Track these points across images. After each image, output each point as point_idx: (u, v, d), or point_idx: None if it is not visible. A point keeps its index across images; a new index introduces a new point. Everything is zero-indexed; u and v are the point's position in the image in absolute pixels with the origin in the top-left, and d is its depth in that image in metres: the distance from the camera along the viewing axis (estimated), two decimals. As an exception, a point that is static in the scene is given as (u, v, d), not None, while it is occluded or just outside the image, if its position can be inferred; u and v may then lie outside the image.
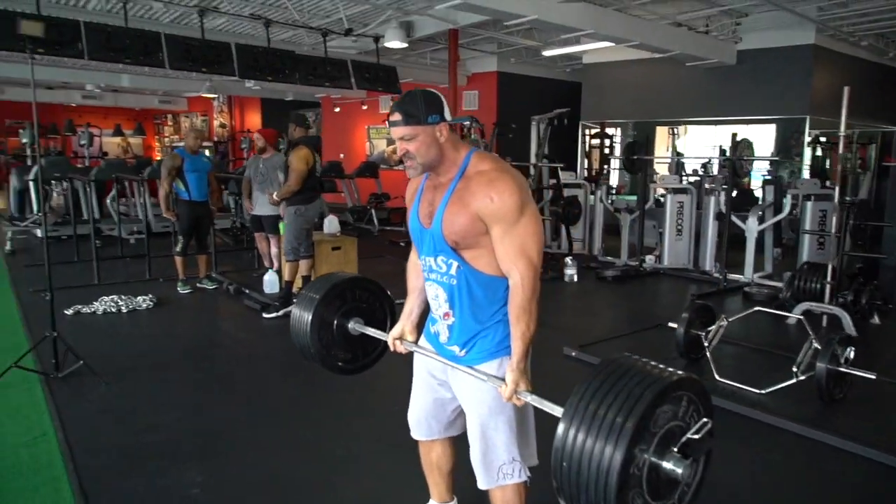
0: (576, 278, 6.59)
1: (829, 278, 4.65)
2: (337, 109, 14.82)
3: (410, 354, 1.95)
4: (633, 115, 10.97)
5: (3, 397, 3.31)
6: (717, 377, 3.63)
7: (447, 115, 1.69)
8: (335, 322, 2.10)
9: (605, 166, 10.87)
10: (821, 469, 2.82)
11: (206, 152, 10.47)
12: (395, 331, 1.98)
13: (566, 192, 8.02)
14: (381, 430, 2.93)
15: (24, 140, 10.51)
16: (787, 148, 10.07)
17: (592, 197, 8.36)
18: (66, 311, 4.98)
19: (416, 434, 2.01)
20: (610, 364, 1.51)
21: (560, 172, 7.98)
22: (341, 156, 14.50)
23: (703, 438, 1.44)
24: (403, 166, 1.72)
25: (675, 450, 1.37)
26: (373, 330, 2.06)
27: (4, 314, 5.05)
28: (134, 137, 17.70)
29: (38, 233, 8.69)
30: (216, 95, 16.24)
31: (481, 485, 1.80)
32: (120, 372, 3.73)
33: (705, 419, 1.44)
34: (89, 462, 2.66)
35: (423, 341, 1.96)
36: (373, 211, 10.63)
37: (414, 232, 1.82)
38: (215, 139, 17.37)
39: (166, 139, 19.42)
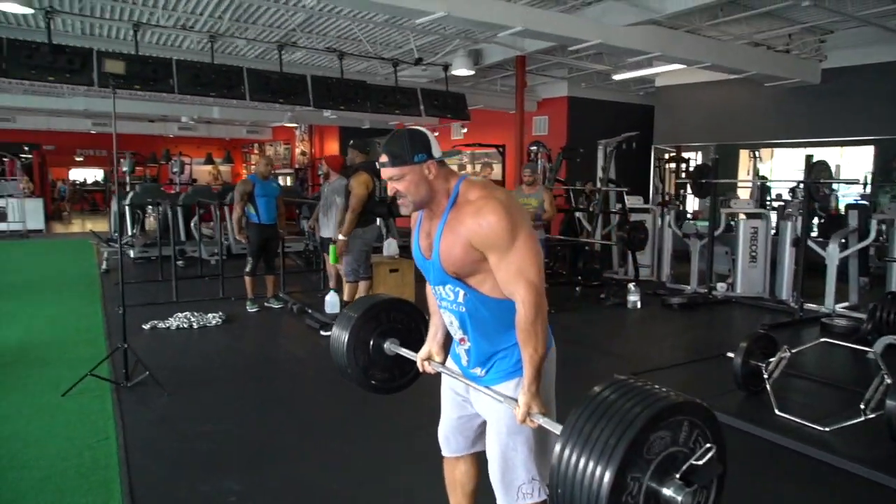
0: (639, 305, 6.39)
1: (915, 310, 4.28)
2: (410, 137, 15.20)
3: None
4: (709, 138, 10.58)
5: (78, 402, 3.59)
6: (776, 412, 3.40)
7: (435, 153, 1.71)
8: (371, 342, 2.15)
9: (682, 191, 10.54)
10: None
11: (278, 178, 10.96)
12: (423, 352, 2.01)
13: (634, 217, 7.83)
14: (419, 452, 2.94)
15: (125, 168, 11.45)
16: (887, 170, 9.40)
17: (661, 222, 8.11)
18: (143, 326, 5.36)
19: (445, 451, 2.03)
20: (610, 385, 1.47)
21: (626, 197, 7.79)
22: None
23: (708, 464, 1.38)
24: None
25: (678, 476, 1.32)
26: (406, 350, 2.10)
27: (92, 328, 5.48)
28: (223, 165, 18.87)
29: (131, 253, 9.42)
30: (297, 125, 17.11)
31: (499, 502, 1.79)
32: (182, 383, 3.96)
33: (709, 444, 1.38)
34: (141, 465, 2.84)
35: (449, 362, 1.98)
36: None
37: (418, 262, 1.86)
38: (296, 166, 18.21)
39: (252, 167, 20.55)
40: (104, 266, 8.60)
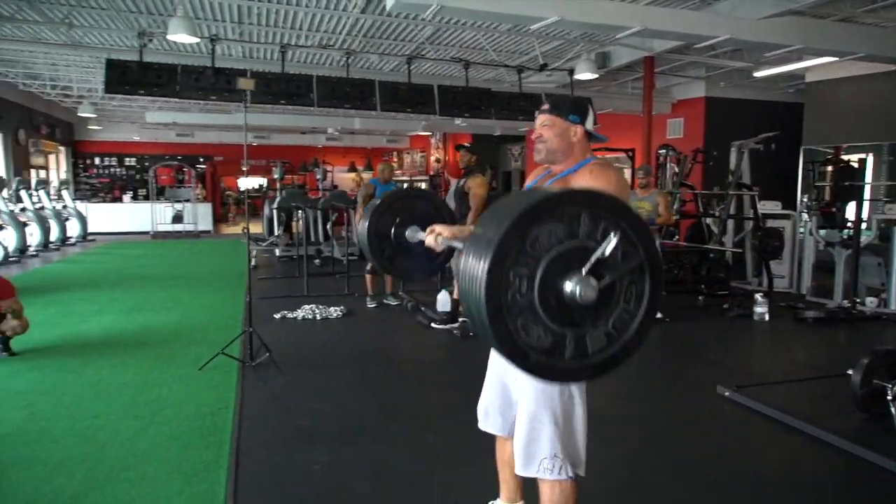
0: (767, 317, 5.92)
1: None
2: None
3: None
4: (870, 137, 9.46)
5: (210, 376, 4.13)
6: (899, 438, 3.05)
7: (588, 123, 1.94)
8: (392, 232, 2.25)
9: (839, 197, 9.49)
10: None
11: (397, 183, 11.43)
12: (435, 226, 2.08)
13: (771, 224, 7.25)
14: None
15: (276, 175, 12.68)
16: None
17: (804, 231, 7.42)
18: (275, 315, 5.97)
19: (482, 425, 2.12)
20: (514, 192, 1.51)
21: (760, 201, 7.23)
22: (543, 187, 14.78)
23: (615, 255, 1.33)
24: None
25: (584, 271, 1.30)
26: (422, 234, 2.12)
27: (234, 315, 6.19)
28: (365, 173, 20.08)
29: (277, 252, 10.42)
30: (432, 133, 17.79)
31: (519, 471, 1.88)
32: (297, 366, 4.39)
33: (616, 234, 1.32)
34: (249, 432, 3.23)
35: None
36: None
37: None
38: (431, 173, 18.91)
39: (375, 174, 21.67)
40: (253, 262, 9.60)
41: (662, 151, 9.35)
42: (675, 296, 7.06)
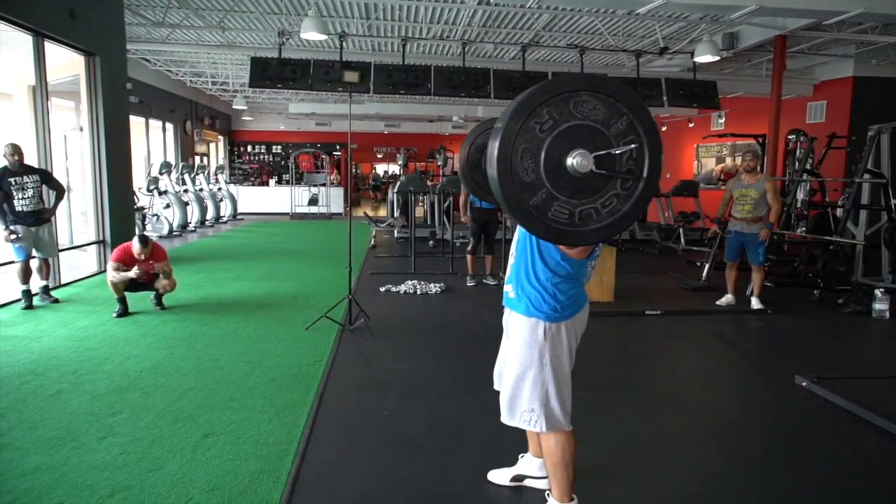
0: (887, 315, 5.46)
1: None
2: (664, 129, 14.63)
3: None
4: None
5: (313, 335, 4.71)
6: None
7: None
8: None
9: None
10: None
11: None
12: None
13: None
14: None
15: (399, 162, 13.43)
16: None
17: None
18: (380, 289, 6.52)
19: (495, 385, 2.37)
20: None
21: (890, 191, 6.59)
22: (668, 175, 14.26)
23: (621, 162, 1.50)
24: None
25: (592, 154, 1.50)
26: None
27: (345, 286, 6.82)
28: (487, 160, 20.51)
29: (395, 233, 11.10)
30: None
31: (504, 419, 2.15)
32: (389, 333, 4.86)
33: (634, 149, 1.50)
34: (334, 382, 3.71)
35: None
36: (680, 230, 10.31)
37: None
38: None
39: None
40: (372, 242, 10.35)
41: (792, 137, 8.74)
42: (788, 289, 6.68)
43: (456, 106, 16.88)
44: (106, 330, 4.80)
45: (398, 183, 11.44)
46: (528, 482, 2.49)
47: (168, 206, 11.61)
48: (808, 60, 10.57)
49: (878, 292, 5.56)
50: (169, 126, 14.58)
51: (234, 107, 16.07)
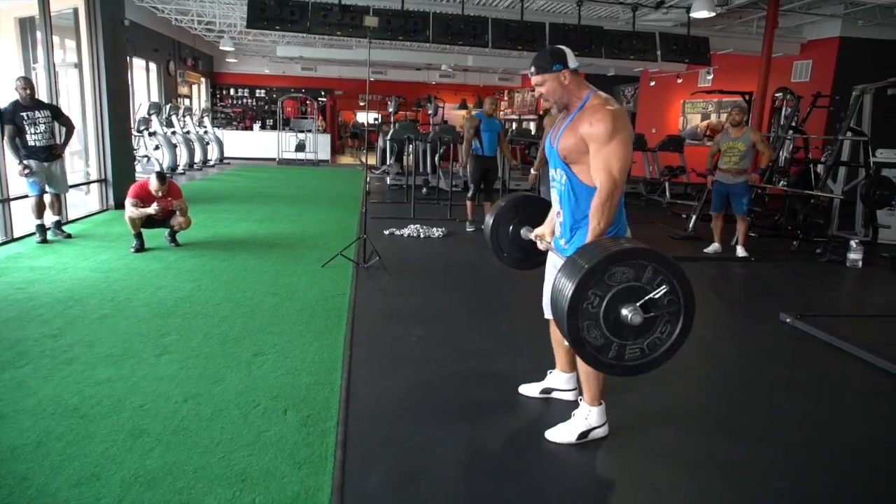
0: (860, 265, 5.90)
1: None
2: (652, 83, 14.81)
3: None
4: None
5: (331, 272, 4.96)
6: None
7: (570, 64, 2.26)
8: (511, 228, 2.89)
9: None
10: None
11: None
12: (538, 230, 2.65)
13: (886, 173, 6.96)
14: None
15: (391, 109, 13.43)
16: None
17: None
18: (384, 231, 6.76)
19: (547, 314, 2.66)
20: (604, 239, 2.07)
21: (876, 149, 6.96)
22: (654, 130, 14.52)
23: (662, 299, 1.87)
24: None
25: (638, 304, 1.84)
26: (530, 233, 2.75)
27: (349, 228, 7.05)
28: (475, 110, 20.46)
29: (388, 180, 11.25)
30: (544, 72, 17.70)
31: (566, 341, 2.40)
32: (401, 271, 5.13)
33: (666, 287, 1.86)
34: (361, 312, 3.99)
35: (553, 244, 2.60)
36: (666, 183, 10.66)
37: (547, 150, 2.46)
38: (540, 112, 18.96)
39: (500, 113, 21.85)
40: (366, 188, 10.47)
41: (779, 95, 9.03)
42: (770, 239, 7.09)
43: (445, 55, 16.75)
44: (128, 263, 4.97)
45: (391, 130, 11.50)
46: (555, 394, 2.82)
47: (157, 147, 11.54)
48: (797, 19, 10.76)
49: (852, 243, 5.98)
50: (152, 66, 14.28)
51: (221, 48, 15.72)
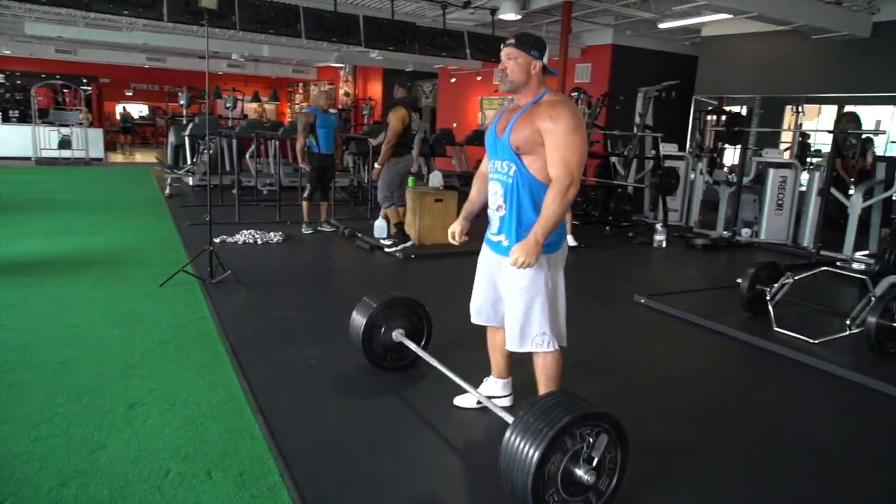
0: (664, 245, 6.81)
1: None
2: (453, 80, 15.44)
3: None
4: (752, 91, 10.63)
5: (174, 292, 4.27)
6: (775, 328, 3.88)
7: (545, 59, 2.27)
8: (382, 328, 2.96)
9: (721, 142, 10.69)
10: (861, 408, 3.05)
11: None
12: (453, 226, 2.53)
13: (668, 164, 8.13)
14: (458, 332, 3.52)
15: (182, 102, 12.05)
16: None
17: (694, 172, 8.39)
18: (214, 240, 6.00)
19: (474, 319, 2.56)
20: (551, 394, 2.02)
21: (661, 144, 8.07)
22: (454, 125, 15.14)
23: (605, 453, 1.87)
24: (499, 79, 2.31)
25: (584, 461, 1.84)
26: (410, 342, 2.88)
27: (168, 239, 6.16)
28: (269, 104, 19.35)
29: (190, 181, 10.11)
30: (343, 65, 17.43)
31: (513, 347, 2.34)
32: (256, 283, 4.62)
33: (605, 436, 1.85)
34: (237, 335, 3.48)
35: (483, 246, 2.50)
36: (479, 177, 11.16)
37: (488, 141, 2.38)
38: (340, 107, 18.64)
39: (296, 106, 21.04)
40: (167, 191, 9.31)
41: (575, 94, 9.98)
42: (585, 227, 7.83)
43: (236, 42, 15.54)
44: None
45: (191, 125, 10.35)
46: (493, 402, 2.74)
47: None
48: (577, 26, 12.02)
49: (658, 226, 6.88)
50: None
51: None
